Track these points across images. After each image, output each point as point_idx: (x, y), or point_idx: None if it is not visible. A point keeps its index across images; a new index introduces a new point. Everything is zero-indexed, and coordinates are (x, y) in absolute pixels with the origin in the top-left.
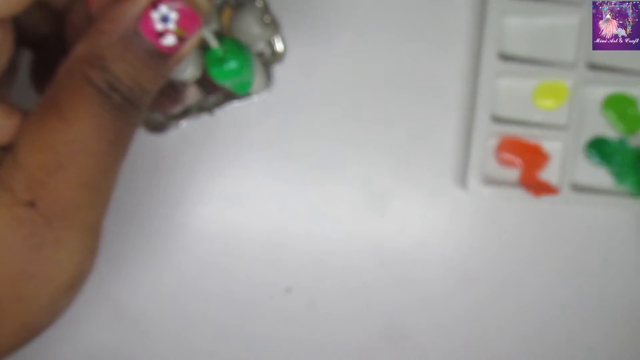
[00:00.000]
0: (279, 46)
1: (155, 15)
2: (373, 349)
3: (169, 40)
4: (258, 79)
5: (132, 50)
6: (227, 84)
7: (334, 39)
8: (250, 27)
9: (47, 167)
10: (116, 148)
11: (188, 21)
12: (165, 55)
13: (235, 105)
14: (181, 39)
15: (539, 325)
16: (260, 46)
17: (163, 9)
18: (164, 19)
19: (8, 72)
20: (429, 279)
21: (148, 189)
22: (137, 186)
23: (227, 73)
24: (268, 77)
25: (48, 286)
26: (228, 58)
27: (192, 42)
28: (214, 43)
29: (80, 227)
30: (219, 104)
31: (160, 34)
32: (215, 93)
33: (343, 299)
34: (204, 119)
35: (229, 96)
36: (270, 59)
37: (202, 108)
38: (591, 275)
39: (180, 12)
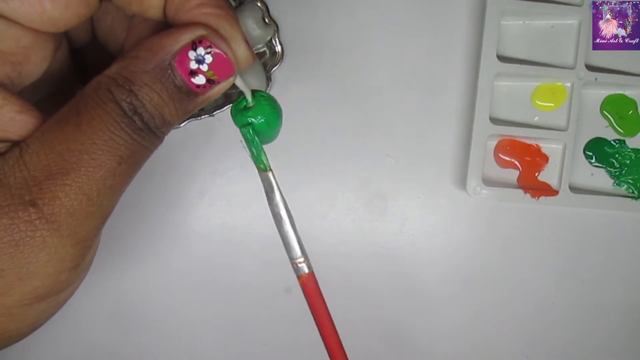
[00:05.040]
0: (278, 47)
1: (192, 55)
2: (373, 349)
3: (199, 80)
4: (258, 82)
5: (162, 82)
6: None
7: (333, 41)
8: (250, 29)
9: (49, 169)
10: (126, 168)
11: (221, 67)
12: (193, 94)
13: None
14: (211, 82)
15: (538, 325)
16: (260, 47)
17: (200, 50)
18: (199, 60)
19: (48, 78)
20: (429, 279)
21: (148, 189)
22: (137, 186)
23: (247, 125)
24: (267, 78)
25: (16, 286)
26: (255, 113)
27: (221, 87)
28: (247, 94)
29: (69, 236)
30: (219, 105)
31: (193, 73)
32: None
33: (343, 299)
34: (204, 119)
35: (229, 98)
36: (269, 60)
37: (202, 109)
38: (590, 276)
39: (216, 57)
